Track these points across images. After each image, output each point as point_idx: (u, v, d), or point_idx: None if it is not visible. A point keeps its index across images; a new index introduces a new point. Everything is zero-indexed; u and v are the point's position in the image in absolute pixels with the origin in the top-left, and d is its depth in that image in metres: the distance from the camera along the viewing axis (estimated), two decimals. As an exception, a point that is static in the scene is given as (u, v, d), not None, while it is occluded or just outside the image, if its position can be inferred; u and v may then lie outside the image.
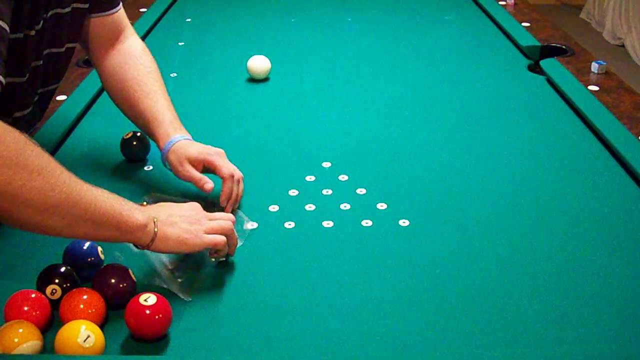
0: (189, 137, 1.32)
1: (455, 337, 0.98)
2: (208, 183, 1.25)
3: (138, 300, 0.97)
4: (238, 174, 1.28)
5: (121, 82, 1.38)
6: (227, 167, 1.28)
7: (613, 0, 4.67)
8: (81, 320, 0.95)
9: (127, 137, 1.44)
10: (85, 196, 0.97)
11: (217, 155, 1.29)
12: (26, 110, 1.26)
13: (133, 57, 1.40)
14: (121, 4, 1.43)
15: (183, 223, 1.07)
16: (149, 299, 0.97)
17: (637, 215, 1.27)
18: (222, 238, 1.09)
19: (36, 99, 1.29)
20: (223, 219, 1.12)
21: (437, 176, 1.41)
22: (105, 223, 0.99)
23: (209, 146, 1.31)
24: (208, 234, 1.08)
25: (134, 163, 1.45)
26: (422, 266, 1.14)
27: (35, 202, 0.92)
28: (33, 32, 1.17)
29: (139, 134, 1.45)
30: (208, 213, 1.13)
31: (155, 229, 1.04)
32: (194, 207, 1.12)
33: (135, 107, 1.35)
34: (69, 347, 0.92)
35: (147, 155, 1.46)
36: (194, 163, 1.28)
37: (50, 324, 1.00)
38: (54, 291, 1.02)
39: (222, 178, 1.26)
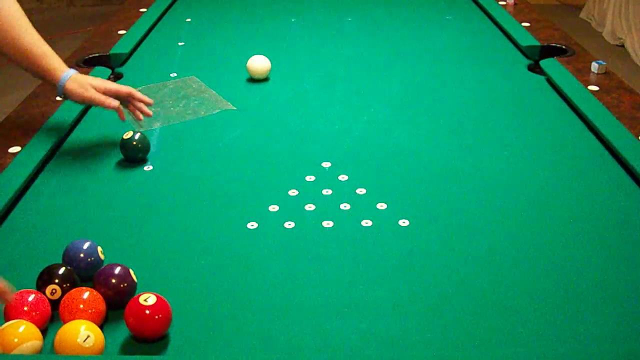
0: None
1: (456, 337, 0.98)
2: (113, 101, 1.45)
3: (138, 300, 0.97)
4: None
5: None
6: (123, 88, 1.50)
7: (613, 0, 4.67)
8: (81, 320, 0.95)
9: (127, 137, 1.44)
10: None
11: (110, 84, 1.50)
12: None
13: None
14: None
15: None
16: (148, 299, 0.97)
17: (637, 215, 1.27)
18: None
19: None
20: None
21: (437, 176, 1.41)
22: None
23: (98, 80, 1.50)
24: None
25: (133, 163, 1.45)
26: (421, 266, 1.14)
27: None
28: None
29: (138, 135, 1.45)
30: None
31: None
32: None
33: (16, 42, 1.44)
34: (69, 347, 0.93)
35: (147, 155, 1.46)
36: (97, 88, 1.46)
37: (50, 324, 1.00)
38: (54, 291, 1.02)
39: (126, 94, 1.50)
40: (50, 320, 1.01)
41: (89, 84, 1.46)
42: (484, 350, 0.96)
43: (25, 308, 0.98)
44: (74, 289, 1.01)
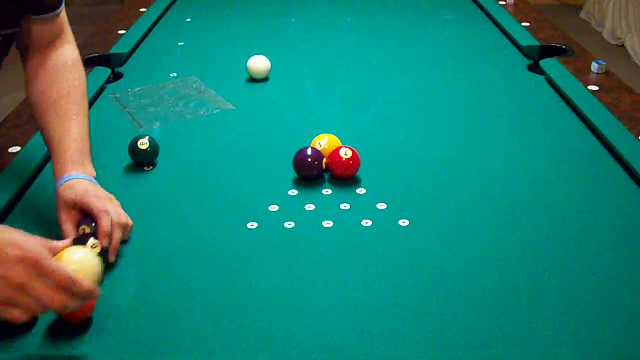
0: (88, 176, 1.20)
1: (455, 337, 0.98)
2: (70, 245, 0.96)
3: (339, 153, 1.34)
4: (122, 219, 1.15)
5: (43, 103, 1.28)
6: (102, 205, 1.13)
7: (613, 0, 4.67)
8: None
9: (144, 147, 1.41)
10: None
11: (95, 198, 1.14)
12: None
13: (60, 74, 1.31)
14: (63, 7, 1.35)
15: None
16: (347, 151, 1.32)
17: (637, 215, 1.27)
18: (23, 317, 0.88)
19: None
20: (43, 295, 0.87)
21: (437, 176, 1.41)
22: None
23: (97, 190, 1.18)
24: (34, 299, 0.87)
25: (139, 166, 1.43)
26: (422, 266, 1.14)
27: None
28: None
29: (152, 142, 1.42)
30: (24, 277, 0.86)
31: None
32: (10, 268, 0.86)
33: (45, 129, 1.26)
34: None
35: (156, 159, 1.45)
36: (71, 207, 1.15)
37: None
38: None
39: (96, 217, 1.12)
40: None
41: (64, 202, 1.14)
42: (483, 351, 0.96)
43: None
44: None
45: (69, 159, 1.20)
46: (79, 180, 1.17)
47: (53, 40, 1.35)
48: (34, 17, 1.30)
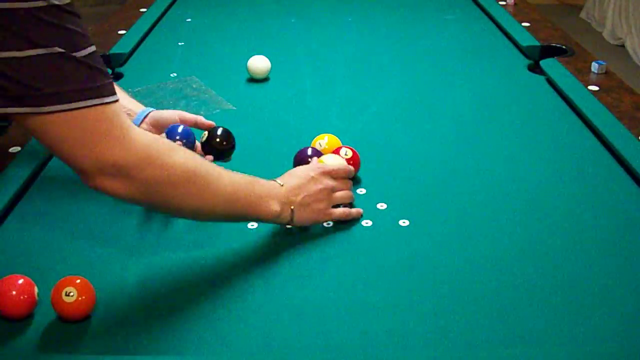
0: None
1: (455, 337, 0.98)
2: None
3: (339, 153, 1.34)
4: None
5: None
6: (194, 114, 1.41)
7: (613, 1, 4.67)
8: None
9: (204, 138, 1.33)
10: (227, 200, 1.12)
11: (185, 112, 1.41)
12: None
13: None
14: None
15: (314, 203, 1.22)
16: (347, 151, 1.34)
17: (637, 215, 1.27)
18: (347, 212, 1.25)
19: None
20: (345, 190, 1.27)
21: (437, 176, 1.41)
22: (245, 217, 1.18)
23: None
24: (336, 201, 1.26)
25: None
26: (422, 266, 1.14)
27: (186, 211, 1.11)
28: None
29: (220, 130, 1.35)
30: (331, 182, 1.24)
31: (292, 215, 1.19)
32: (322, 181, 1.23)
33: None
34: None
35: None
36: (177, 121, 1.38)
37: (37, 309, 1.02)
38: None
39: (199, 120, 1.38)
40: (36, 304, 1.01)
41: (179, 116, 1.38)
42: (484, 351, 0.96)
43: (14, 292, 0.99)
44: (63, 278, 1.01)
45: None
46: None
47: None
48: None
